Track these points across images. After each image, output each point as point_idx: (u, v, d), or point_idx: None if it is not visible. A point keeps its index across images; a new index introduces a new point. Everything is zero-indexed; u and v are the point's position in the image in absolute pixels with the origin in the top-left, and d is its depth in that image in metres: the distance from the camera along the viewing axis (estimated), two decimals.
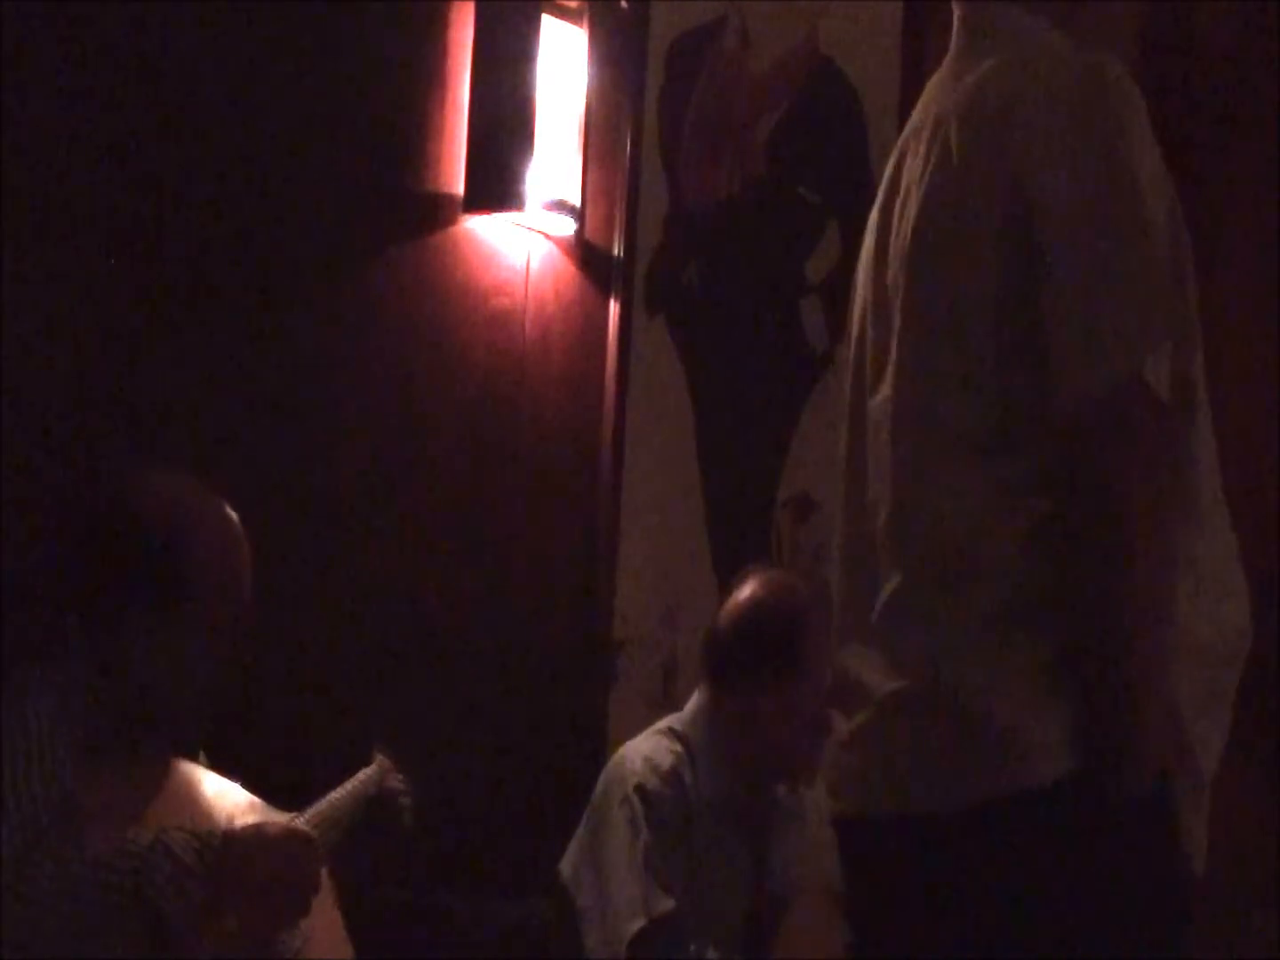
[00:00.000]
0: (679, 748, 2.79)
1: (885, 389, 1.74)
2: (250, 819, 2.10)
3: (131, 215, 3.13)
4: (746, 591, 2.81)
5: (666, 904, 2.62)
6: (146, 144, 3.17)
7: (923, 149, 1.76)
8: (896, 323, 1.74)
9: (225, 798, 2.16)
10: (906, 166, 1.79)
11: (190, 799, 2.13)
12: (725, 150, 3.73)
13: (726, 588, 2.90)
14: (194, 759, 2.22)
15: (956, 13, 1.86)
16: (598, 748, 3.35)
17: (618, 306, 3.68)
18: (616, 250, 3.69)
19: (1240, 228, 2.98)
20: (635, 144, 3.71)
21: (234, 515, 2.17)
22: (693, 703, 2.87)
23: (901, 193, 1.78)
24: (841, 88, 3.59)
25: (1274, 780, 2.77)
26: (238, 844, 1.99)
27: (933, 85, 1.84)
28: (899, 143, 1.85)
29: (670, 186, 3.71)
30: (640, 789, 2.72)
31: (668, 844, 2.69)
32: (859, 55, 3.53)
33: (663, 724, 2.87)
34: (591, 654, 3.57)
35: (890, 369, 1.74)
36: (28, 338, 2.98)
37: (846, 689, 1.76)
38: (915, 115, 1.84)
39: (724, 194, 3.72)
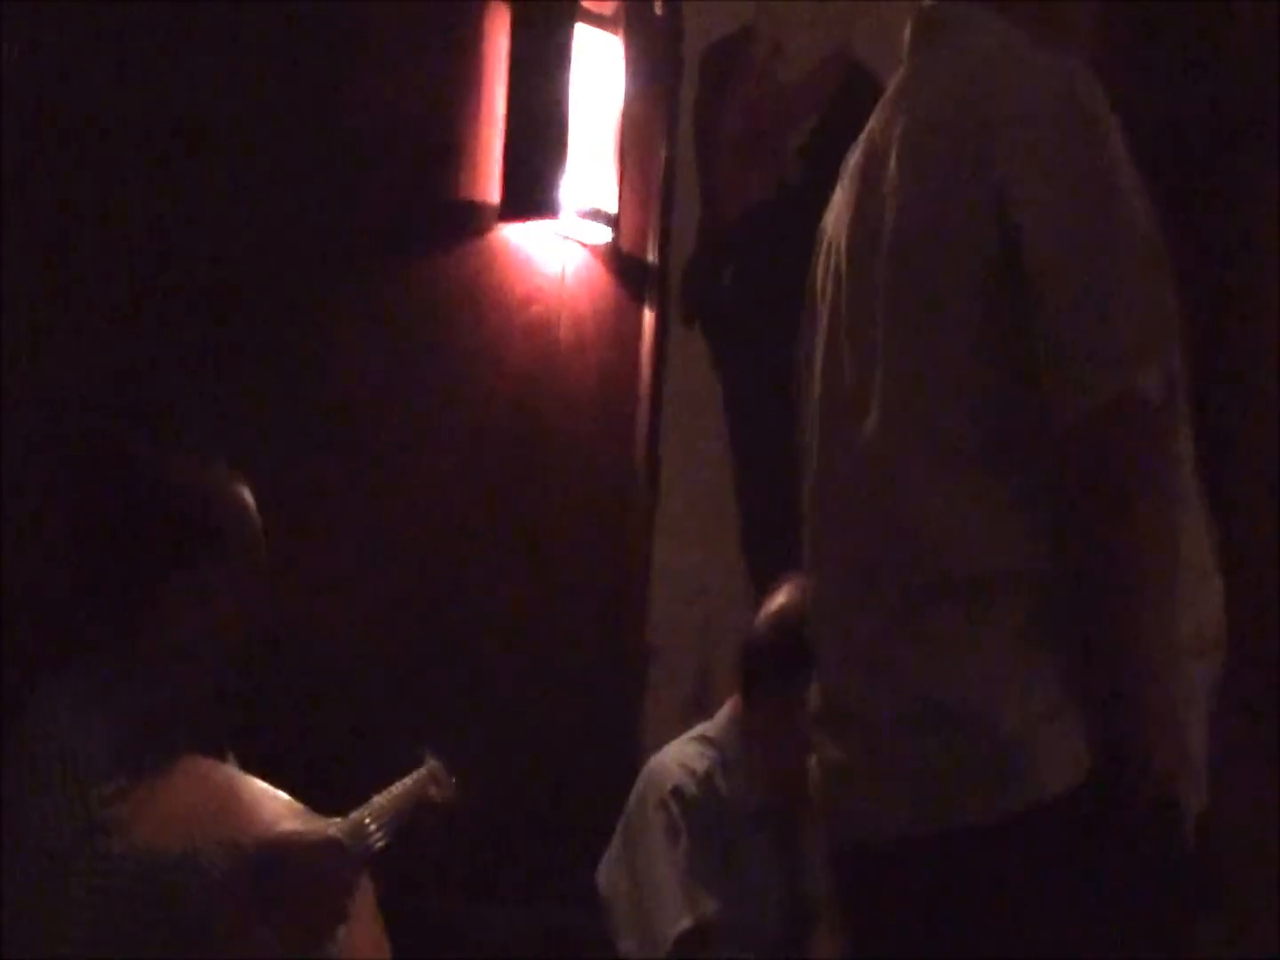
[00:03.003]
0: (713, 754, 2.79)
1: (874, 412, 1.71)
2: (289, 824, 2.09)
3: (167, 226, 3.14)
4: (781, 600, 2.80)
5: (711, 905, 2.62)
6: (181, 154, 3.18)
7: (896, 162, 1.72)
8: (880, 340, 1.71)
9: (263, 804, 2.16)
10: (885, 178, 1.74)
11: (228, 804, 2.12)
12: (759, 158, 3.73)
13: (761, 596, 2.90)
14: (222, 756, 2.22)
15: (912, 15, 1.82)
16: (632, 756, 3.34)
17: (653, 315, 3.68)
18: (652, 258, 3.69)
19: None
20: (670, 152, 3.71)
21: (248, 493, 2.23)
22: (726, 710, 2.87)
23: (876, 208, 1.74)
24: (875, 93, 3.57)
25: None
26: (270, 854, 1.98)
27: (893, 93, 1.80)
28: (858, 158, 1.81)
29: (705, 194, 3.71)
30: (677, 792, 2.72)
31: (706, 848, 2.68)
32: (892, 60, 3.52)
33: (696, 731, 2.87)
34: (625, 662, 3.57)
35: (877, 389, 1.71)
36: (54, 351, 3.00)
37: (834, 715, 1.74)
38: (875, 125, 1.79)
39: (759, 202, 3.72)
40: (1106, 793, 1.58)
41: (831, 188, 1.89)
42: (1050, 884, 1.59)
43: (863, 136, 1.83)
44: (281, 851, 1.99)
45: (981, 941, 1.61)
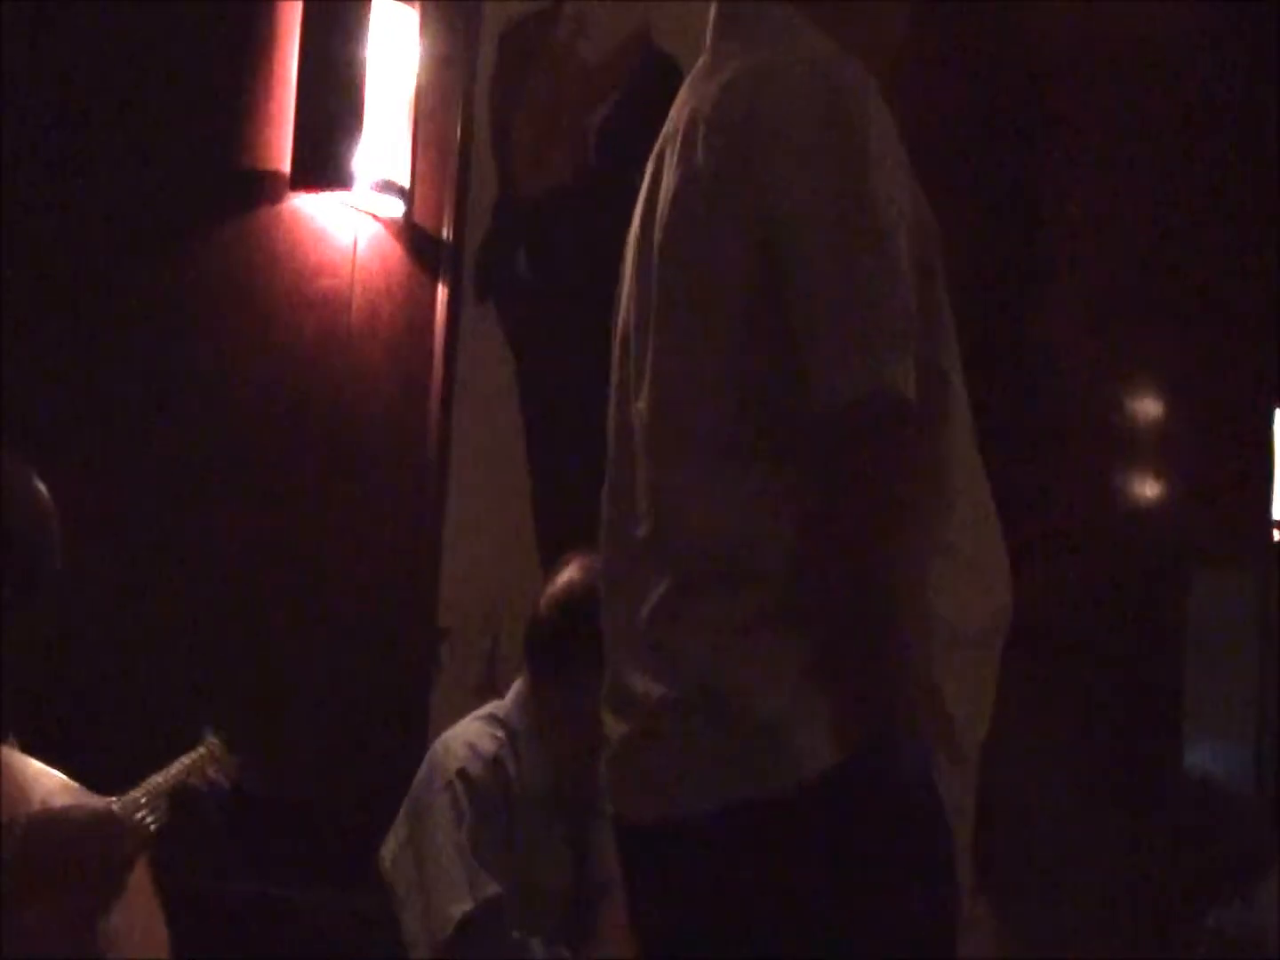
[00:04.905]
0: (501, 734, 2.79)
1: (643, 396, 1.76)
2: (63, 800, 2.06)
3: None
4: (564, 578, 2.81)
5: (493, 888, 2.62)
6: None
7: (675, 154, 1.76)
8: (651, 326, 1.76)
9: (39, 782, 2.12)
10: (665, 171, 1.79)
11: (2, 784, 2.08)
12: (558, 136, 3.72)
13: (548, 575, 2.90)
14: (1, 738, 2.17)
15: (713, 8, 1.85)
16: (421, 736, 3.33)
17: (446, 291, 3.66)
18: (446, 234, 3.67)
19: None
20: (466, 127, 3.68)
21: (43, 487, 2.15)
22: (514, 690, 2.87)
23: (660, 199, 1.78)
24: (674, 78, 3.60)
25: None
26: (41, 830, 1.95)
27: (687, 85, 1.84)
28: (656, 146, 1.85)
29: (501, 172, 3.69)
30: (463, 774, 2.71)
31: (491, 830, 2.68)
32: (692, 46, 3.54)
33: (485, 710, 2.87)
34: (415, 642, 3.54)
35: (647, 376, 1.75)
36: None
37: (617, 697, 1.77)
38: (671, 115, 1.84)
39: (555, 182, 3.71)
40: (868, 770, 1.62)
41: (629, 169, 1.91)
42: (815, 861, 1.63)
43: (668, 119, 1.85)
44: (54, 826, 1.96)
45: (751, 918, 1.65)
